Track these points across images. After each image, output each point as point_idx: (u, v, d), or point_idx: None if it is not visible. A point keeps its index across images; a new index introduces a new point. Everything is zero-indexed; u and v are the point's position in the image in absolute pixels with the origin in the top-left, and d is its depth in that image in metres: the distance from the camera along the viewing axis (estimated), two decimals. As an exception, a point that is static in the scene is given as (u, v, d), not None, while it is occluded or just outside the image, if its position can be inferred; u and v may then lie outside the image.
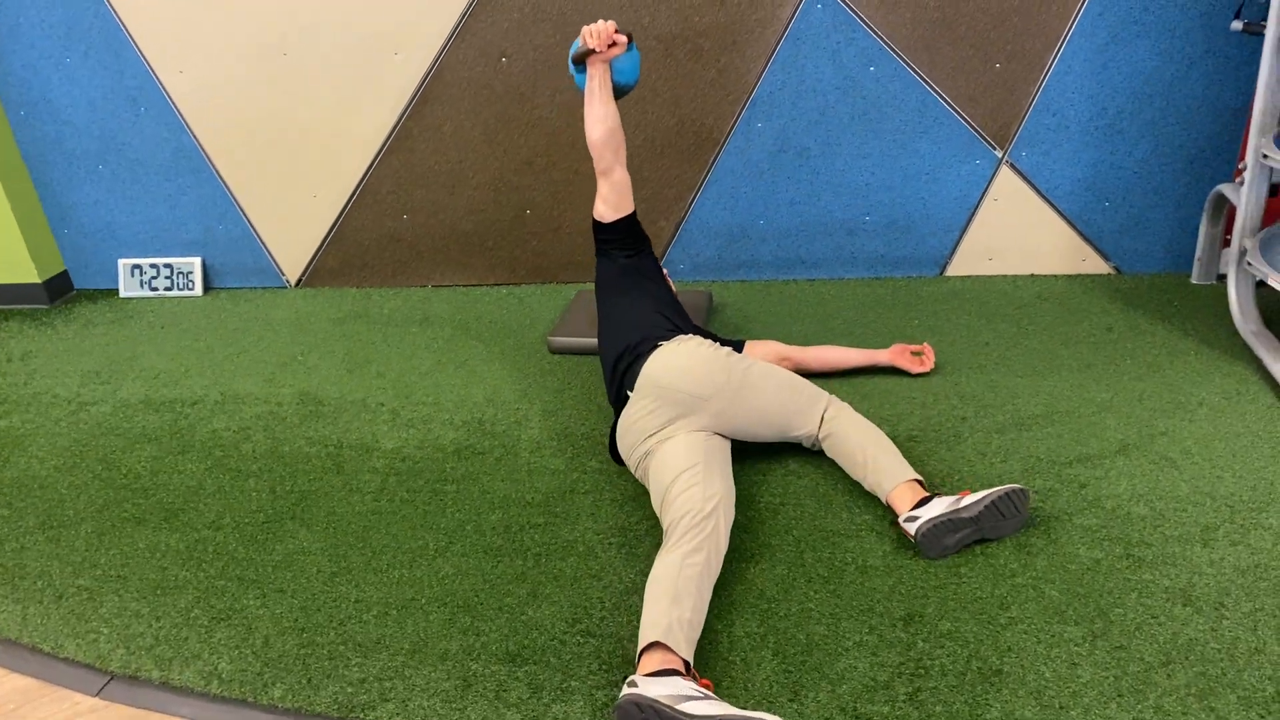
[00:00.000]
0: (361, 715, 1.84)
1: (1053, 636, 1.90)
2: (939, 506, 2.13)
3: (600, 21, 2.55)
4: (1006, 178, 3.22)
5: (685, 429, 2.30)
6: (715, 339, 2.62)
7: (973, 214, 3.28)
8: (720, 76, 3.19)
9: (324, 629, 2.04)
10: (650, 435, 2.32)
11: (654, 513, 2.27)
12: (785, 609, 2.02)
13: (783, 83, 3.17)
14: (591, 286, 3.51)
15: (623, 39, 2.55)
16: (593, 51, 2.57)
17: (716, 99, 3.22)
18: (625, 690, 1.76)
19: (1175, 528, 2.16)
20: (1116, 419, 2.55)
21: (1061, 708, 1.74)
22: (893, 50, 3.09)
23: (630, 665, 1.90)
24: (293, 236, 3.62)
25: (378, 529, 2.35)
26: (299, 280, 3.69)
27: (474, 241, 3.54)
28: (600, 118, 2.62)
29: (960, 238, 3.33)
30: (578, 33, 3.09)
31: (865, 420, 2.38)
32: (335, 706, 1.86)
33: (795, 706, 1.79)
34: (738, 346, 2.78)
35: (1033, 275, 3.34)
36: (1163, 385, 2.68)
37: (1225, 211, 3.09)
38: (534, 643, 1.97)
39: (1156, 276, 3.28)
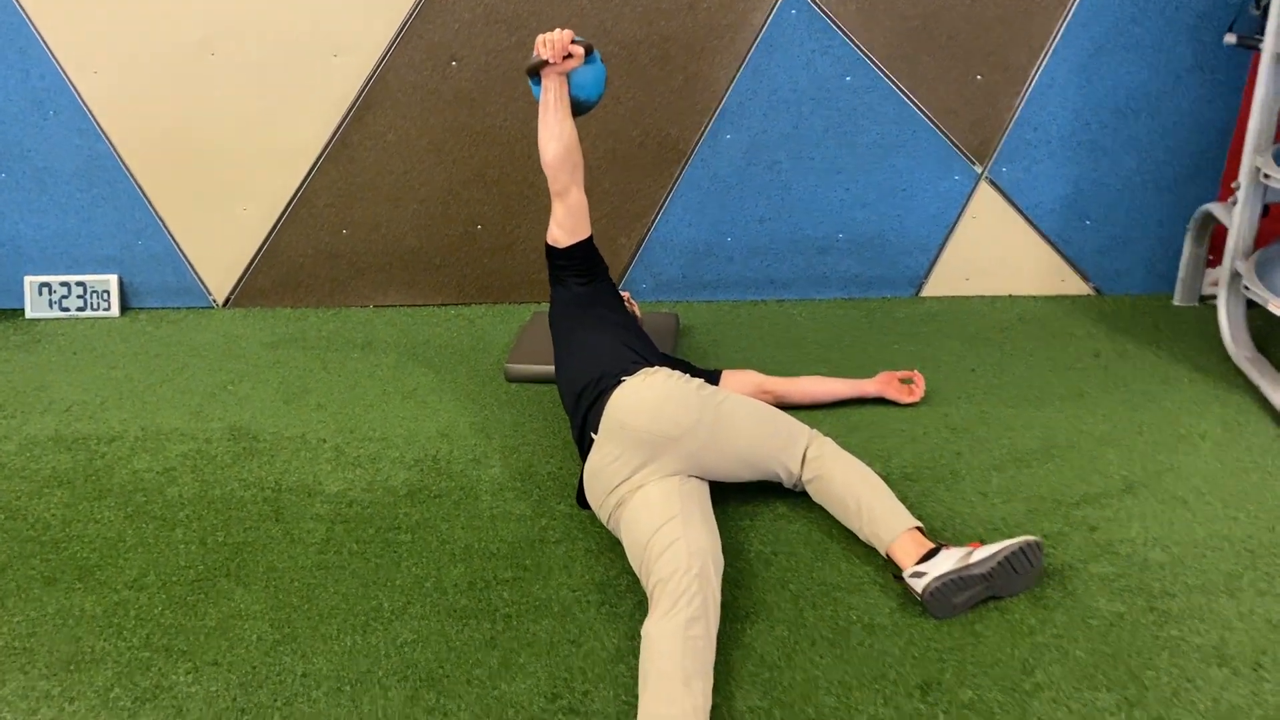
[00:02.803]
0: (315, 820, 1.59)
1: (1084, 706, 1.73)
2: (947, 561, 1.94)
3: (556, 30, 2.34)
4: (986, 194, 3.08)
5: (657, 474, 2.08)
6: (688, 368, 2.41)
7: (950, 232, 3.14)
8: (687, 85, 2.99)
9: (266, 710, 1.79)
10: (620, 483, 2.10)
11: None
12: (789, 678, 1.82)
13: (754, 92, 2.99)
14: (547, 307, 3.29)
15: (580, 50, 2.35)
16: (546, 63, 2.35)
17: (683, 108, 3.02)
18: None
19: (1196, 576, 2.02)
20: (1118, 453, 2.40)
21: (1109, 794, 1.57)
22: (870, 59, 2.93)
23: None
24: (220, 253, 3.33)
25: (325, 587, 2.10)
26: (227, 300, 3.40)
27: (420, 259, 3.29)
28: (555, 135, 2.41)
29: (937, 257, 3.18)
30: (532, 36, 2.86)
31: (852, 459, 2.19)
32: (284, 811, 1.61)
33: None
34: (713, 377, 2.58)
35: (1011, 296, 3.21)
36: (1160, 416, 2.55)
37: (1210, 232, 2.99)
38: (511, 725, 1.74)
39: (1138, 298, 3.17)
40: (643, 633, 1.81)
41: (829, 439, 2.23)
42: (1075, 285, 3.19)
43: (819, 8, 2.89)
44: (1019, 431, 2.51)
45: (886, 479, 2.23)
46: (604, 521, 2.17)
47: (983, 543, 1.98)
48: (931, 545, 1.99)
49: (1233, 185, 2.70)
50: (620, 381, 2.20)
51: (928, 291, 3.24)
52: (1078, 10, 2.84)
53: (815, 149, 3.05)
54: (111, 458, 2.60)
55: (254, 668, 1.89)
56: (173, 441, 2.65)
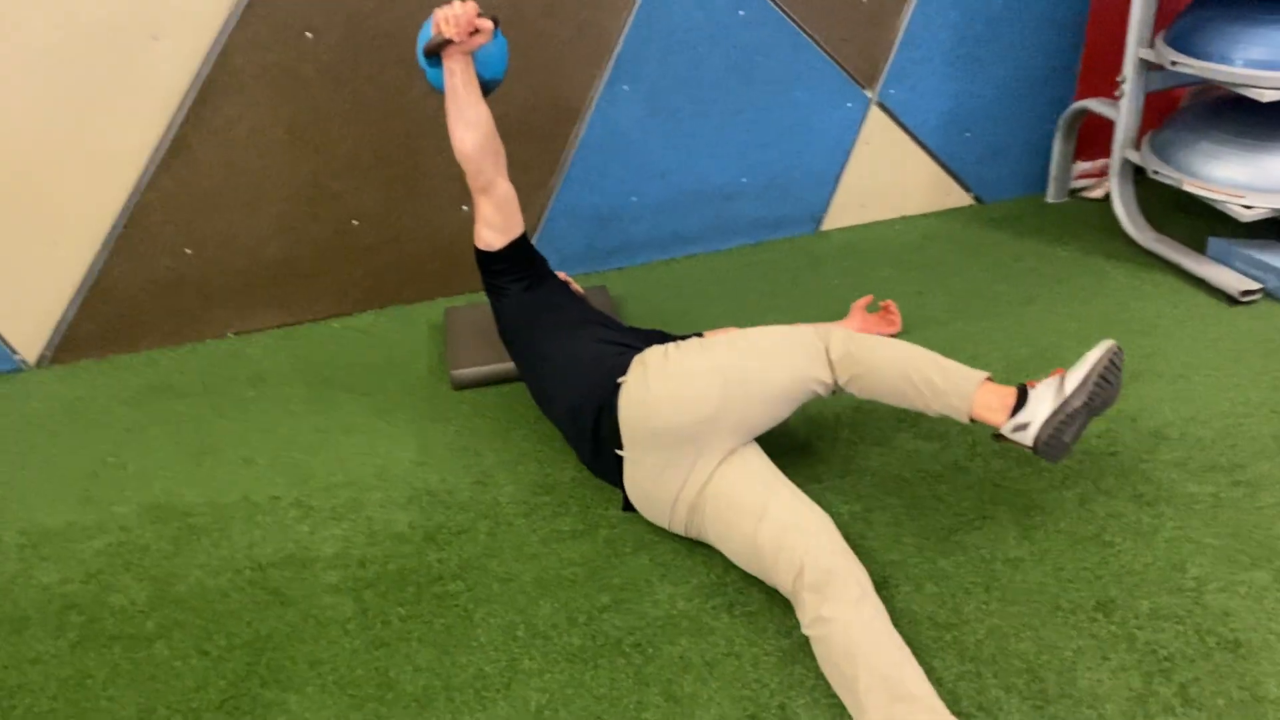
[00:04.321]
0: None
1: (1249, 587, 1.77)
2: (1046, 402, 1.80)
3: (456, 3, 2.04)
4: (877, 119, 3.07)
5: (713, 462, 1.88)
6: (664, 339, 2.20)
7: (846, 162, 3.11)
8: (579, 35, 2.74)
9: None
10: (681, 490, 1.89)
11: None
12: (972, 634, 1.72)
13: (648, 36, 2.79)
14: (456, 301, 2.94)
15: (488, 24, 2.08)
16: (449, 42, 2.05)
17: (575, 63, 2.77)
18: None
19: (1249, 443, 2.12)
20: (1131, 368, 2.44)
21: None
22: (762, -9, 2.82)
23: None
24: (25, 300, 2.68)
25: (397, 667, 1.74)
26: (43, 358, 2.75)
27: (287, 270, 2.81)
28: (471, 122, 2.14)
29: (835, 189, 3.14)
30: None
31: (878, 339, 1.97)
32: None
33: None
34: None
35: (904, 217, 3.24)
36: (1111, 306, 2.67)
37: (1077, 129, 3.16)
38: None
39: (1015, 201, 3.30)
40: (814, 637, 1.64)
41: (835, 326, 2.03)
42: (958, 197, 3.28)
43: (708, -62, 2.73)
44: (1003, 343, 2.53)
45: (901, 420, 2.16)
46: (679, 532, 1.95)
47: (1062, 368, 1.86)
48: (1014, 390, 1.85)
49: (1118, 79, 2.85)
50: (618, 386, 1.95)
51: (828, 225, 3.20)
52: (944, -76, 2.87)
53: (714, 90, 2.90)
54: (2, 579, 2.01)
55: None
56: (75, 540, 2.10)
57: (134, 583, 1.98)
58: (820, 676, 1.63)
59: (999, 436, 1.84)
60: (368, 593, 1.91)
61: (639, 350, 2.03)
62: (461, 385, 2.52)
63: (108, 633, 1.86)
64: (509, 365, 2.49)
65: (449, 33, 2.08)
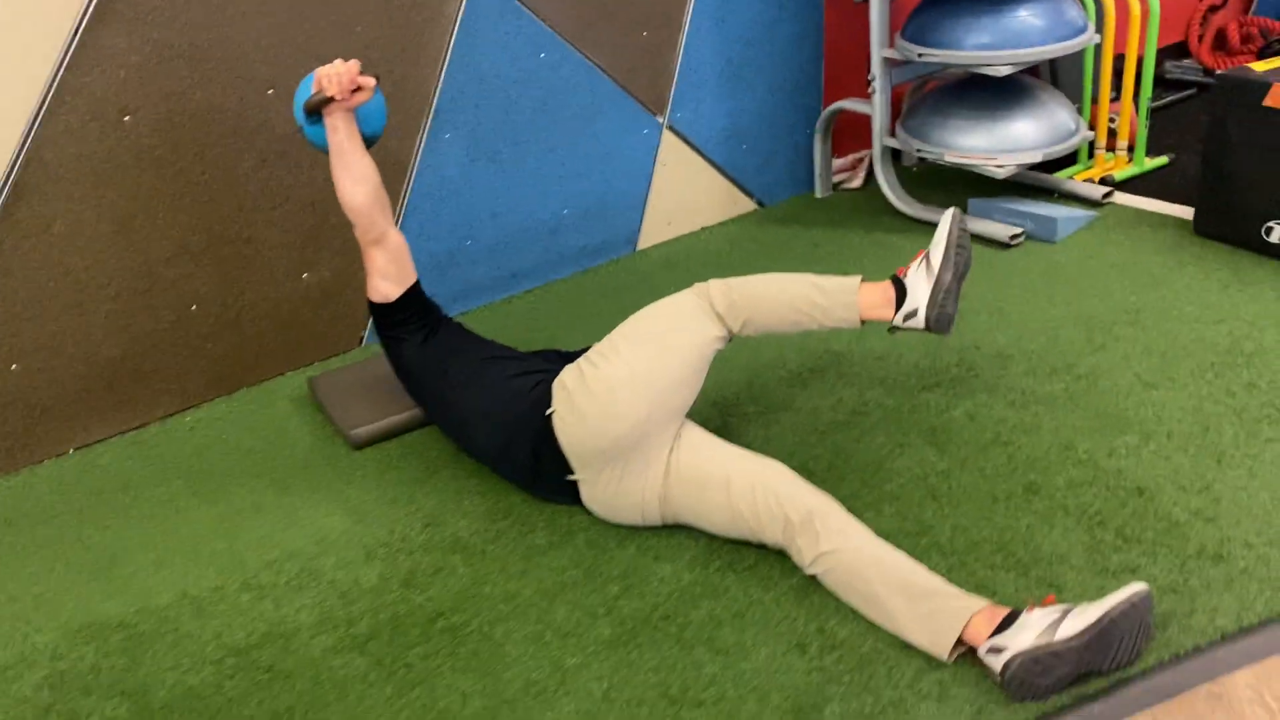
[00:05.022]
0: None
1: (1126, 448, 2.14)
2: (922, 285, 2.03)
3: (338, 62, 2.13)
4: (670, 141, 3.34)
5: (665, 447, 2.00)
6: (565, 355, 2.32)
7: (650, 184, 3.35)
8: (397, 90, 2.79)
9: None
10: (646, 488, 2.01)
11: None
12: (940, 534, 1.96)
13: (463, 85, 2.89)
14: (308, 371, 2.86)
15: (370, 81, 2.18)
16: (331, 99, 2.12)
17: (398, 116, 2.81)
18: (998, 662, 1.58)
19: (1070, 346, 2.53)
20: (998, 315, 2.70)
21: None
22: (557, 34, 3.00)
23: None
24: None
25: (446, 697, 1.74)
26: None
27: (125, 370, 2.63)
28: (359, 177, 2.21)
29: (644, 210, 3.37)
30: (221, 69, 2.52)
31: (751, 278, 2.11)
32: None
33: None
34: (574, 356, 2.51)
35: (704, 228, 3.53)
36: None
37: (832, 129, 3.59)
38: None
39: (790, 202, 3.68)
40: (821, 574, 1.81)
41: (714, 282, 2.12)
42: (744, 204, 3.61)
43: (504, -10, 2.89)
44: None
45: (791, 386, 2.42)
46: (655, 523, 2.06)
47: (923, 249, 2.03)
48: (890, 284, 2.06)
49: (869, 78, 3.29)
50: (549, 416, 2.04)
51: (643, 244, 3.42)
52: (704, -39, 3.21)
53: (528, 130, 3.04)
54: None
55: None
56: (7, 682, 1.88)
57: (103, 703, 1.80)
58: (833, 599, 1.80)
59: (894, 329, 2.08)
60: (371, 645, 1.86)
61: (550, 374, 2.11)
62: (361, 444, 2.48)
63: (98, 758, 1.69)
64: (406, 416, 2.49)
65: (331, 90, 2.11)
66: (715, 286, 2.10)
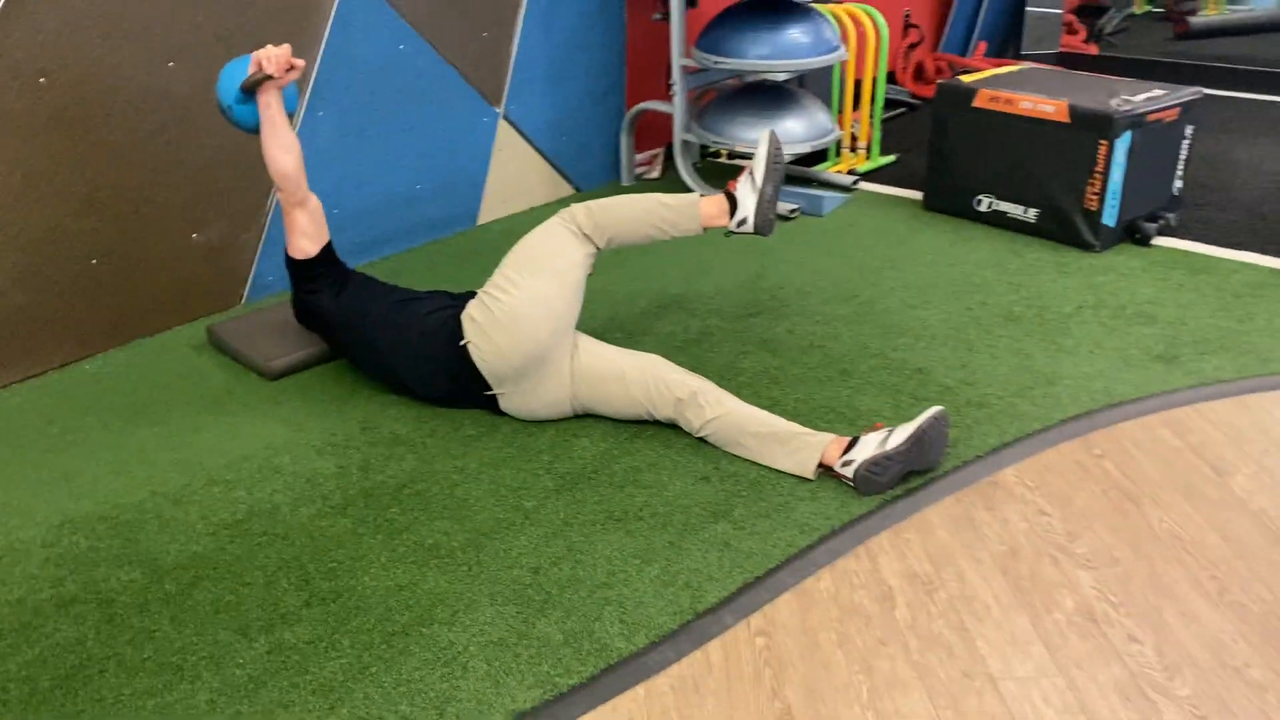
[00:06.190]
0: None
1: (919, 319, 2.85)
2: (749, 196, 2.46)
3: (270, 46, 2.50)
4: (505, 130, 3.82)
5: (568, 356, 2.43)
6: (457, 295, 2.72)
7: (488, 166, 3.82)
8: (281, 70, 3.12)
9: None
10: (561, 388, 2.44)
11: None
12: (836, 357, 2.58)
13: (336, 66, 3.25)
14: (197, 325, 3.10)
15: (301, 63, 2.56)
16: (269, 78, 2.49)
17: (280, 94, 3.14)
18: (849, 471, 2.19)
19: (844, 283, 3.25)
20: (838, 281, 3.46)
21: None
22: (414, 28, 3.42)
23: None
24: None
25: (432, 535, 2.14)
26: None
27: (28, 317, 2.78)
28: (286, 146, 2.58)
29: (484, 189, 3.83)
30: (129, 40, 2.79)
31: (607, 200, 2.52)
32: None
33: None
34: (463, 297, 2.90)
35: (532, 208, 4.02)
36: (724, 240, 3.70)
37: (635, 127, 4.20)
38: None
39: (602, 188, 4.25)
40: (709, 435, 2.35)
41: (576, 207, 2.50)
42: (564, 189, 4.14)
43: (372, -14, 3.29)
44: (667, 271, 3.44)
45: (646, 315, 2.99)
46: (569, 415, 2.50)
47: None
48: (723, 196, 2.48)
49: (670, 83, 3.94)
50: (464, 345, 2.43)
51: (483, 219, 3.87)
52: (532, -26, 3.74)
53: (390, 110, 3.43)
54: None
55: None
56: (10, 565, 2.08)
57: (114, 571, 2.06)
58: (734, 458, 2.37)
59: (729, 233, 2.53)
60: (351, 510, 2.22)
61: (457, 309, 2.50)
62: (277, 374, 2.78)
63: (141, 600, 1.96)
64: (317, 350, 2.82)
65: (270, 69, 2.46)
66: (579, 212, 2.47)
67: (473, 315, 2.46)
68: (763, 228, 2.49)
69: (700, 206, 2.49)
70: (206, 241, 3.11)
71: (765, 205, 2.47)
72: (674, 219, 2.50)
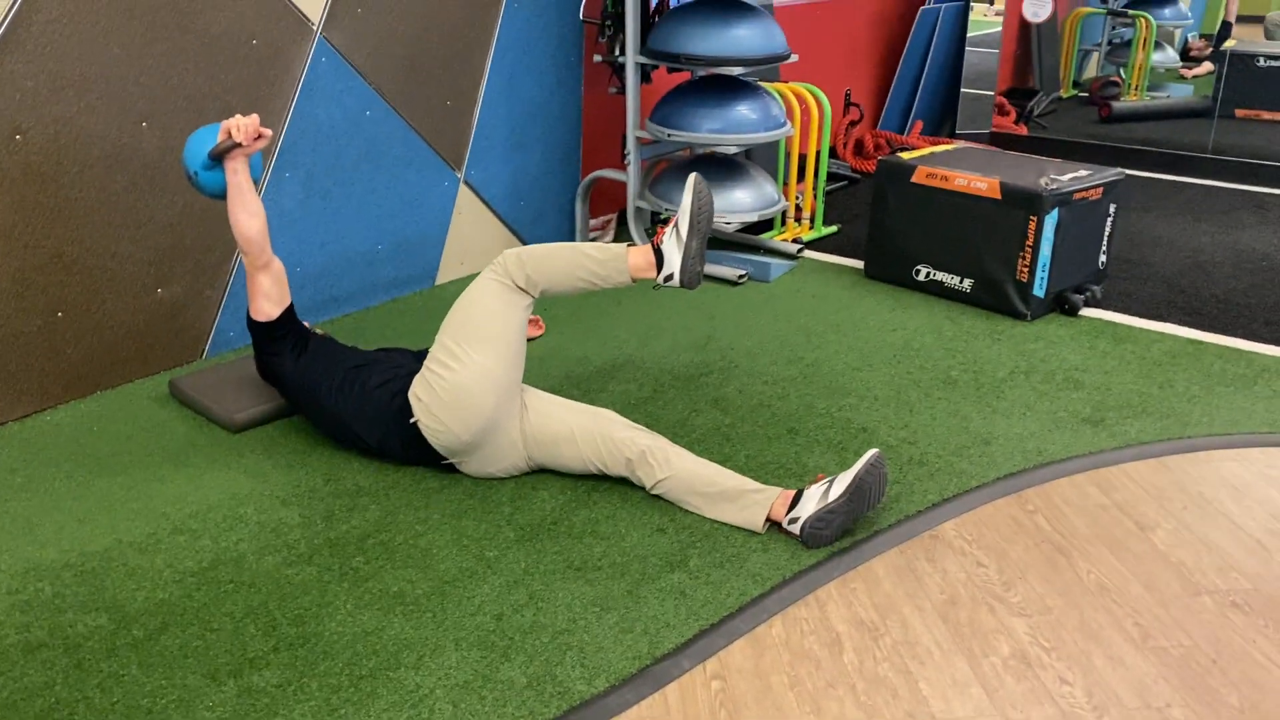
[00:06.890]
0: None
1: (864, 384, 3.00)
2: (674, 251, 2.48)
3: (239, 116, 2.60)
4: (465, 194, 3.95)
5: (518, 419, 2.51)
6: (411, 354, 2.81)
7: (448, 228, 3.93)
8: (250, 132, 3.22)
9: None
10: (513, 454, 2.53)
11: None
12: (807, 387, 2.70)
13: (303, 131, 3.36)
14: (158, 379, 3.14)
15: (269, 132, 2.66)
16: (238, 146, 2.59)
17: (248, 155, 3.23)
18: (796, 527, 2.30)
19: (791, 345, 3.39)
20: (792, 344, 3.60)
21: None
22: (380, 95, 3.55)
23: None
24: None
25: (399, 584, 2.20)
26: None
27: (-10, 369, 2.82)
28: (254, 211, 2.67)
29: (442, 250, 3.94)
30: (104, 100, 2.87)
31: (537, 249, 2.54)
32: None
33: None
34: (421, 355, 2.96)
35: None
36: (675, 302, 3.85)
37: (590, 193, 4.36)
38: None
39: (556, 250, 4.37)
40: (662, 493, 2.44)
41: (508, 256, 2.51)
42: (519, 251, 4.26)
43: (341, 55, 3.40)
44: (616, 332, 3.56)
45: (601, 375, 3.11)
46: (526, 471, 2.59)
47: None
48: (650, 248, 2.49)
49: (624, 153, 4.10)
50: (414, 425, 2.48)
51: (440, 280, 3.97)
52: (496, 48, 3.86)
53: (354, 173, 3.54)
54: None
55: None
56: (-31, 612, 2.10)
57: (81, 617, 2.09)
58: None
59: (657, 286, 2.56)
60: (316, 558, 2.28)
61: (407, 383, 2.54)
62: (241, 427, 2.83)
63: (109, 645, 1.99)
64: (280, 404, 2.87)
65: (239, 137, 2.56)
66: (510, 262, 2.47)
67: (418, 394, 2.50)
68: (688, 282, 2.50)
69: (629, 259, 2.50)
70: (170, 297, 3.16)
71: (690, 260, 2.47)
72: (603, 273, 2.51)
